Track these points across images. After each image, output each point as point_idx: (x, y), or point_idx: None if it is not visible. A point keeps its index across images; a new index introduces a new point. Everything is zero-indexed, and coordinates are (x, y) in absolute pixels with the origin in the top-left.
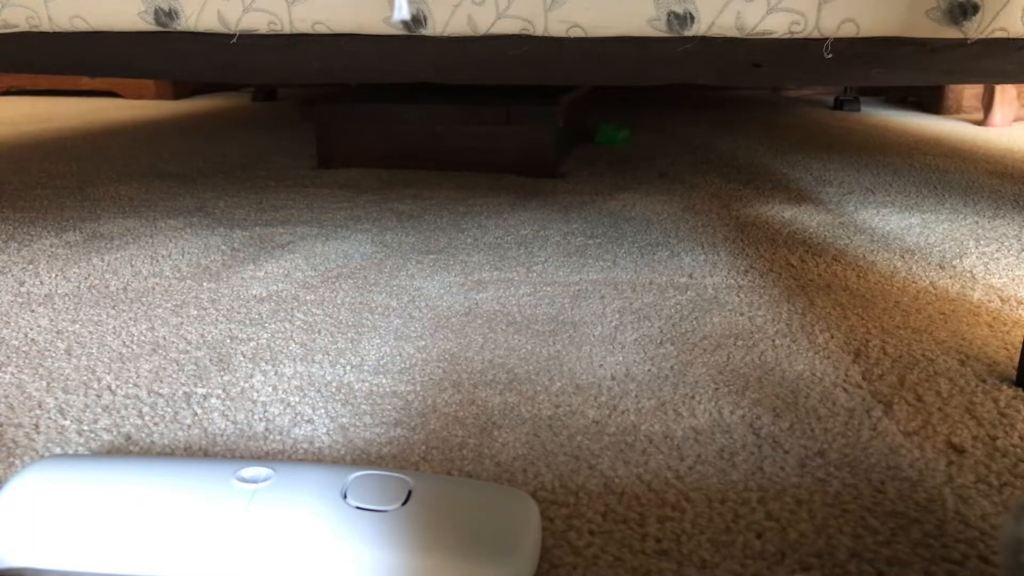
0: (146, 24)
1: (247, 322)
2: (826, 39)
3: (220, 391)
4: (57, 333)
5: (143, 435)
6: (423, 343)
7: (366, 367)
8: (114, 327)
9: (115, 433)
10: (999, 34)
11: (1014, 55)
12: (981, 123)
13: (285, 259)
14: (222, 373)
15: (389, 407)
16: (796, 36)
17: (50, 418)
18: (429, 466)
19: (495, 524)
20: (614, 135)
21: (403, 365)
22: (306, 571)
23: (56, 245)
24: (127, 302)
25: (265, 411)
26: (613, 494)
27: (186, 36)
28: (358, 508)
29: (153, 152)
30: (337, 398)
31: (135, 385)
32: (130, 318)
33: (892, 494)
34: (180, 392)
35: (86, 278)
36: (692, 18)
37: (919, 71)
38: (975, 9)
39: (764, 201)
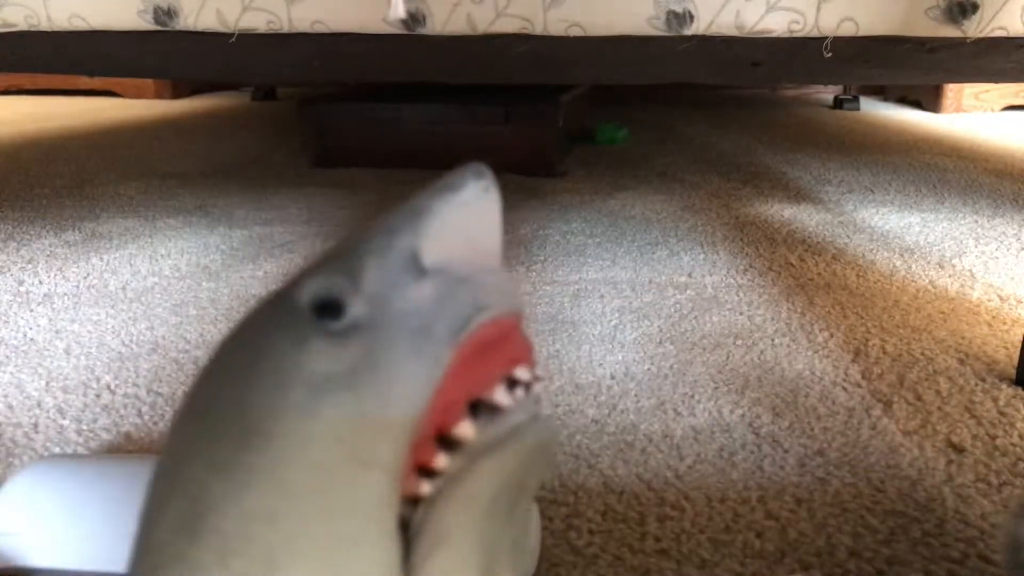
0: (145, 23)
1: None
2: (825, 38)
3: None
4: (56, 332)
5: (142, 434)
6: None
7: None
8: (113, 326)
9: (114, 432)
10: (998, 33)
11: (1013, 54)
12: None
13: (284, 259)
14: None
15: None
16: (795, 35)
17: (49, 417)
18: None
19: None
20: (614, 135)
21: None
22: None
23: (55, 245)
24: (126, 301)
25: None
26: (613, 493)
27: (185, 35)
28: None
29: (152, 152)
30: None
31: (134, 384)
32: (129, 317)
33: (892, 493)
34: (179, 391)
35: (85, 277)
36: (691, 17)
37: (919, 70)
38: (974, 8)
39: (763, 200)
